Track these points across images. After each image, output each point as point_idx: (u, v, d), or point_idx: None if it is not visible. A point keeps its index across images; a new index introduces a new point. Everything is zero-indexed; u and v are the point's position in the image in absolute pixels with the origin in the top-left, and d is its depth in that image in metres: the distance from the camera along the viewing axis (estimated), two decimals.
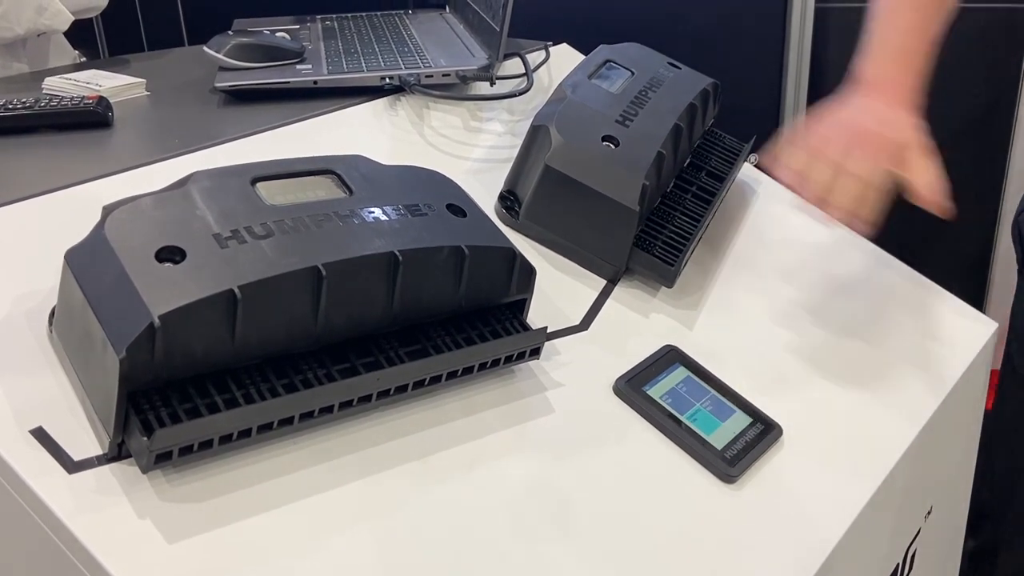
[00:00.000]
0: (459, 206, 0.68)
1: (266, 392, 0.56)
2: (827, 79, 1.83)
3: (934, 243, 1.91)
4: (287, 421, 0.57)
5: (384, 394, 0.61)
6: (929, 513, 0.91)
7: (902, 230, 1.86)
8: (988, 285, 1.95)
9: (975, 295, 1.94)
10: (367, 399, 0.61)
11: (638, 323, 0.80)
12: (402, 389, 0.62)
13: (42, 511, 0.53)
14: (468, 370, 0.65)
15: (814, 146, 0.81)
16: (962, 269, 1.93)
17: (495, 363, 0.67)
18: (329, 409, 0.59)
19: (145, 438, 0.52)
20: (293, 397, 0.57)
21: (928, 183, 0.80)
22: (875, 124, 0.82)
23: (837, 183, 0.79)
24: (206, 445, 0.54)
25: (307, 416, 0.58)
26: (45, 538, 0.53)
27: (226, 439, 0.55)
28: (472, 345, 0.65)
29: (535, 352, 0.69)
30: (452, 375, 0.65)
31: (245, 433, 0.56)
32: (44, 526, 0.53)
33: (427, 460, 0.62)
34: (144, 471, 0.53)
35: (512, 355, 0.67)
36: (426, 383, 0.63)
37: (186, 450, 0.54)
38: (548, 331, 0.74)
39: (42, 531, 0.53)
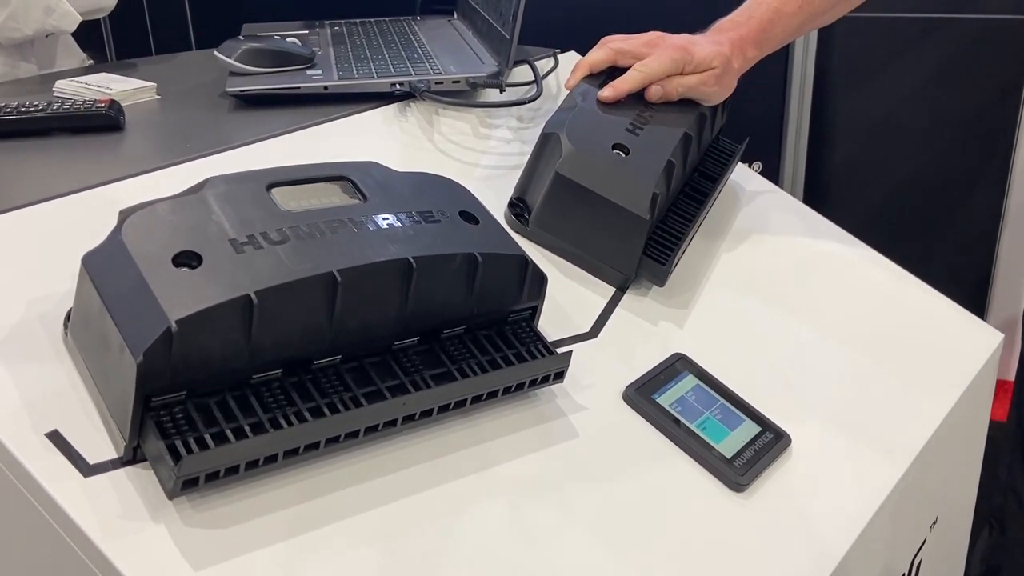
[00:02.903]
0: (472, 213, 0.68)
1: (292, 417, 0.56)
2: (831, 86, 1.83)
3: (936, 247, 1.92)
4: (313, 446, 0.57)
5: (409, 418, 0.61)
6: (935, 523, 0.91)
7: (903, 232, 1.87)
8: (990, 290, 1.95)
9: (977, 299, 1.94)
10: (392, 423, 0.61)
11: (647, 331, 0.80)
12: (427, 413, 0.62)
13: (57, 514, 0.53)
14: (493, 394, 0.65)
15: (623, 37, 0.91)
16: (964, 273, 1.94)
17: (520, 387, 0.67)
18: (355, 433, 0.59)
19: (172, 464, 0.52)
20: (320, 422, 0.57)
21: (674, 83, 0.88)
22: (686, 41, 0.90)
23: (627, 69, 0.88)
24: (232, 470, 0.54)
25: (332, 440, 0.58)
26: (60, 541, 0.53)
27: (252, 464, 0.55)
28: (498, 369, 0.65)
29: (559, 376, 0.69)
30: (477, 399, 0.65)
31: (271, 458, 0.56)
32: (59, 529, 0.53)
33: (442, 473, 0.62)
34: (170, 497, 0.53)
35: (537, 379, 0.68)
36: (451, 407, 0.63)
37: (212, 475, 0.54)
38: (557, 338, 0.75)
39: (57, 534, 0.53)
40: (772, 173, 1.80)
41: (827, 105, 1.84)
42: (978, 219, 1.91)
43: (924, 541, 0.89)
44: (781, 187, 1.10)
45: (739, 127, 1.05)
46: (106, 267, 0.56)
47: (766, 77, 1.75)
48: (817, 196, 1.91)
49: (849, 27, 1.80)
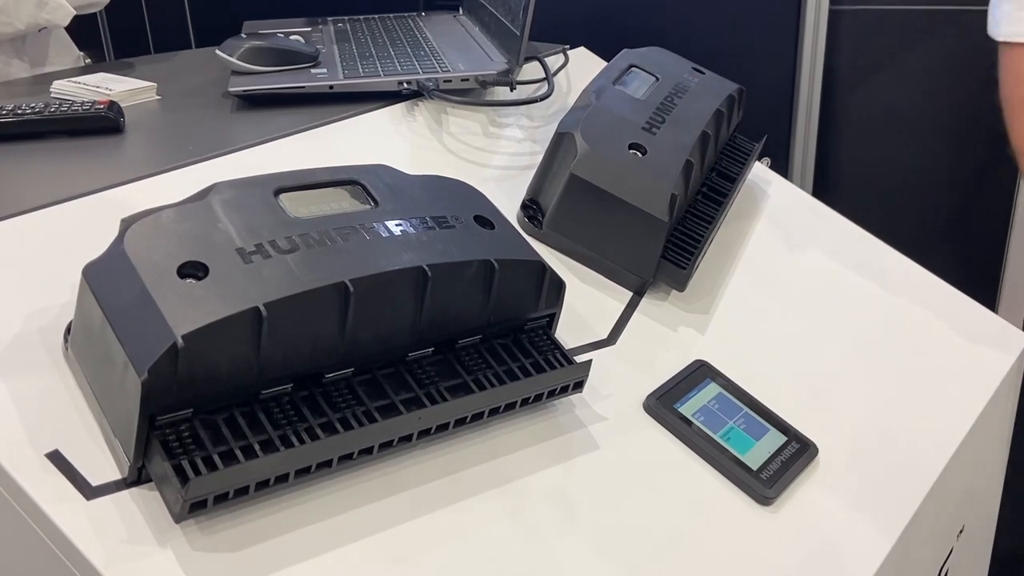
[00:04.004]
0: (487, 218, 0.66)
1: (304, 433, 0.54)
2: (840, 82, 1.81)
3: (945, 243, 1.90)
4: (325, 463, 0.55)
5: (425, 432, 0.59)
6: (961, 532, 0.89)
7: (912, 228, 1.85)
8: (1000, 285, 1.93)
9: (987, 295, 1.92)
10: (407, 438, 0.58)
11: (666, 336, 0.78)
12: (443, 427, 0.60)
13: (59, 539, 0.50)
14: (510, 405, 0.63)
15: None
16: (974, 268, 1.92)
17: (538, 398, 0.64)
18: (369, 450, 0.56)
19: (179, 486, 0.49)
20: (333, 439, 0.54)
21: None
22: None
23: None
24: (242, 491, 0.52)
25: (346, 458, 0.56)
26: (61, 567, 0.51)
27: (262, 484, 0.52)
28: (515, 380, 0.62)
29: (579, 385, 0.66)
30: (494, 411, 0.62)
31: (282, 478, 0.53)
32: (61, 555, 0.51)
33: (460, 489, 0.60)
34: (177, 520, 0.51)
35: (555, 389, 0.65)
36: (467, 420, 0.61)
37: (221, 497, 0.51)
38: (575, 345, 0.72)
39: (58, 560, 0.51)
40: (781, 169, 1.78)
41: (837, 100, 1.82)
42: (988, 215, 1.88)
43: (951, 551, 0.87)
44: (790, 182, 1.08)
45: (748, 122, 1.03)
46: (108, 279, 0.54)
47: (775, 71, 1.72)
48: (826, 192, 1.89)
49: (860, 20, 1.78)
